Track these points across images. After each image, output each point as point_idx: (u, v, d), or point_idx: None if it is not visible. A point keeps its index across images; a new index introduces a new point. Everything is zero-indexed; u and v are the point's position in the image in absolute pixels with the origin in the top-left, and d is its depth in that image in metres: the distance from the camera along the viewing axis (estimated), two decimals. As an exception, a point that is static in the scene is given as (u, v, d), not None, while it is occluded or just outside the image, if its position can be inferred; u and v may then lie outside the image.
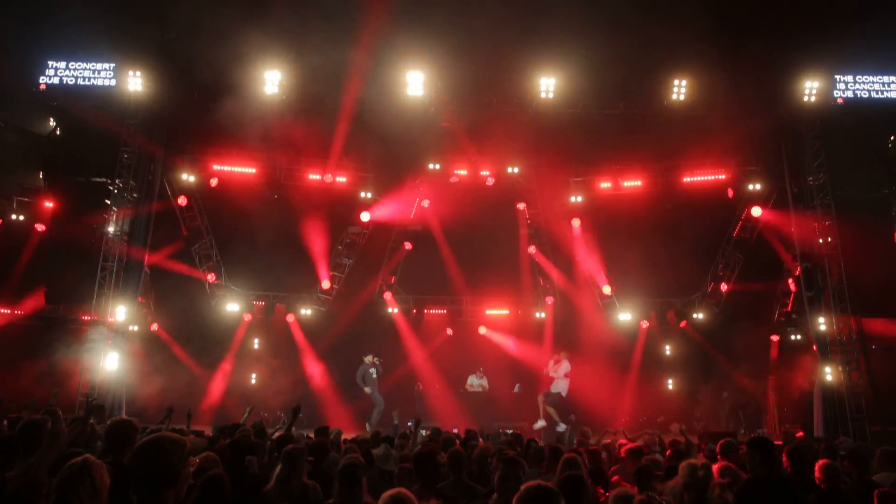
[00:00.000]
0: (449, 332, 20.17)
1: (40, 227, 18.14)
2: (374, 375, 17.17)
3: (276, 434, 7.32)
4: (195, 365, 17.97)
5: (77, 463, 3.21)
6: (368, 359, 17.19)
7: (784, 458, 5.64)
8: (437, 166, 18.52)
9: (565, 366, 17.08)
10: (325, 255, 19.43)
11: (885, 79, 16.49)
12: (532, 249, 19.92)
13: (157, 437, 3.01)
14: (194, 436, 7.06)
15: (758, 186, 18.19)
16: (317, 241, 19.07)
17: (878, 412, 15.18)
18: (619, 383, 18.88)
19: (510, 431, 12.91)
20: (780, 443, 9.22)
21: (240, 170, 18.40)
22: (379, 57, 15.67)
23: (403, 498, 3.45)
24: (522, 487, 3.20)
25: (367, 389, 17.02)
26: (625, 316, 19.56)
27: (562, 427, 15.88)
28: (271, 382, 18.74)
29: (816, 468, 5.31)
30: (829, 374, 15.64)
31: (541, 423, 16.14)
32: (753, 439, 5.32)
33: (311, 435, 8.33)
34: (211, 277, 18.90)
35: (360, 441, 8.01)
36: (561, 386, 16.75)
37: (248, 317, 19.14)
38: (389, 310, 19.76)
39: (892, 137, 17.87)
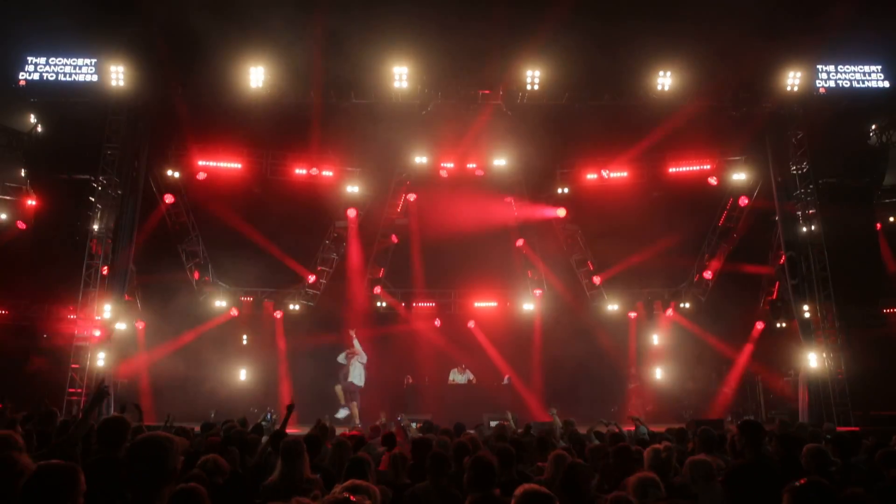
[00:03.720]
0: (437, 322, 20.20)
1: (23, 226, 17.93)
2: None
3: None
4: (183, 362, 17.88)
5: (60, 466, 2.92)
6: (342, 357, 17.62)
7: (774, 444, 5.73)
8: (424, 159, 18.50)
9: (357, 347, 17.47)
10: (313, 250, 19.40)
11: (867, 68, 16.66)
12: (520, 242, 19.99)
13: (152, 435, 3.10)
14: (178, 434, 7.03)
15: (742, 176, 18.35)
16: (303, 235, 19.04)
17: (861, 397, 15.41)
18: (607, 373, 19.06)
19: (495, 423, 12.92)
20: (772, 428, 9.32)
21: (225, 165, 18.27)
22: (364, 51, 15.62)
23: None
24: (517, 492, 3.16)
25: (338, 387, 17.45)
26: (612, 306, 19.70)
27: (342, 413, 16.28)
28: (260, 378, 18.74)
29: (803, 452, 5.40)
30: (813, 360, 15.86)
31: (343, 412, 16.40)
32: (744, 422, 5.41)
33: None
34: (198, 274, 18.79)
35: (353, 436, 8.02)
36: (356, 374, 17.40)
37: (234, 311, 19.08)
38: (378, 303, 19.76)
39: (873, 126, 18.07)
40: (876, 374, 15.44)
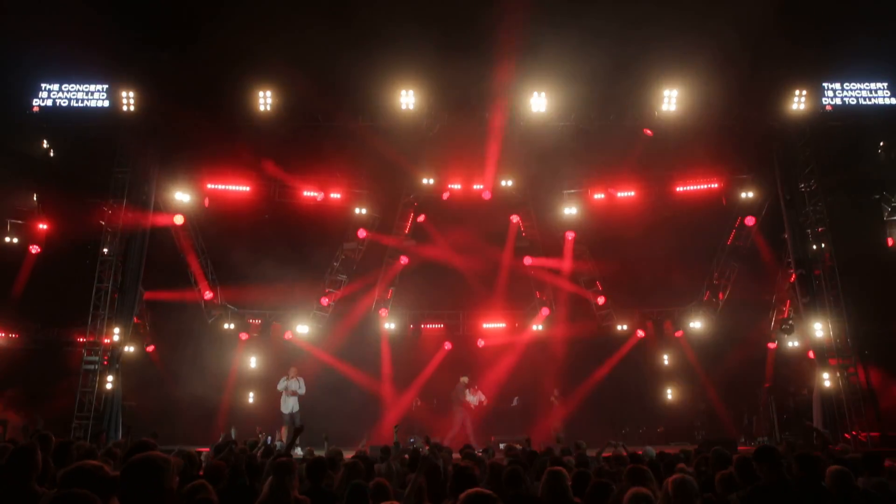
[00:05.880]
0: (447, 346, 20.13)
1: (35, 250, 18.07)
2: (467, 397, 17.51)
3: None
4: (192, 385, 17.85)
5: None
6: (464, 380, 17.66)
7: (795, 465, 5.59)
8: (431, 181, 18.59)
9: (293, 373, 16.34)
10: (321, 272, 19.42)
11: (872, 85, 16.64)
12: (527, 261, 19.94)
13: (148, 455, 3.04)
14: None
15: (750, 194, 18.27)
16: (312, 257, 19.08)
17: (878, 417, 15.18)
18: (617, 394, 18.87)
19: (502, 446, 12.78)
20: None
21: (234, 188, 18.41)
22: (370, 74, 15.77)
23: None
24: (461, 496, 3.14)
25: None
26: (621, 326, 19.57)
27: (298, 451, 12.73)
28: (268, 401, 18.64)
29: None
30: (827, 379, 15.64)
31: (299, 451, 12.91)
32: (759, 449, 5.29)
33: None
34: (207, 296, 18.83)
35: (362, 456, 7.96)
36: (290, 405, 16.03)
37: (244, 336, 19.08)
38: (385, 325, 19.71)
39: (881, 143, 18.03)
40: (892, 392, 15.22)
